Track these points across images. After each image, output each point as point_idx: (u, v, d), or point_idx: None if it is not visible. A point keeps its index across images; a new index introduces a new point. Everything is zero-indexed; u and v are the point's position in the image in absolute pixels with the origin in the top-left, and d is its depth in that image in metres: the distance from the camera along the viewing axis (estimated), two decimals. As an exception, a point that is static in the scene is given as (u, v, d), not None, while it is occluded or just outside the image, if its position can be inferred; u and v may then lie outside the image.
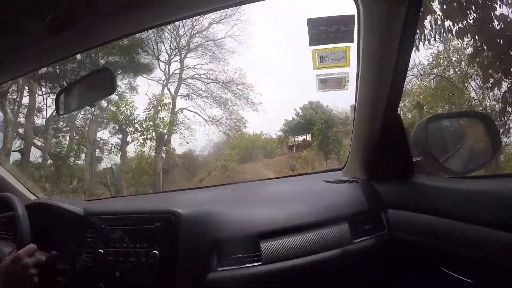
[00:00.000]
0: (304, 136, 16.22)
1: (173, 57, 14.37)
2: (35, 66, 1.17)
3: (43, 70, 9.13)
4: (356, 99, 1.26)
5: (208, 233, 1.19)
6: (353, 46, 1.16)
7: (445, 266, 1.03)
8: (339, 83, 1.32)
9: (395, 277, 1.24)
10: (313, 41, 1.12)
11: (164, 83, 13.93)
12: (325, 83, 1.31)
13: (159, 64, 13.71)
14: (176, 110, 14.64)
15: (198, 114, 14.85)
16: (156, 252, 1.17)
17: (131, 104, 11.44)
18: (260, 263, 1.13)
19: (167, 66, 14.24)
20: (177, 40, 14.20)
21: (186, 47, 14.36)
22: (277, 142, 16.33)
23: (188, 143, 14.50)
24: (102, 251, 1.25)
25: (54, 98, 1.22)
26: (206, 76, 14.75)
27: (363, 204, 1.30)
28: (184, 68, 14.62)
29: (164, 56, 13.97)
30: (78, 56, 9.64)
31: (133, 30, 1.08)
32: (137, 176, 11.98)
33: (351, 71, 1.27)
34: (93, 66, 10.27)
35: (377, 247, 1.22)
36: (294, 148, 16.13)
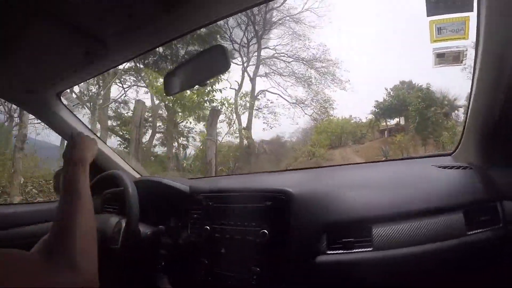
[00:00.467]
0: (397, 119, 15.20)
1: (250, 39, 14.30)
2: (148, 47, 1.26)
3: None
4: (474, 73, 1.14)
5: (319, 214, 1.18)
6: (472, 16, 1.04)
7: None
8: (456, 57, 1.20)
9: (507, 276, 1.11)
10: (431, 10, 1.04)
11: (244, 66, 13.96)
12: (442, 58, 1.20)
13: (234, 47, 13.72)
14: (256, 92, 14.50)
15: (281, 96, 14.45)
16: (266, 231, 1.19)
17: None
18: (370, 249, 1.09)
19: (244, 48, 14.26)
20: (253, 19, 13.95)
21: (263, 26, 14.10)
22: (367, 127, 15.48)
23: (271, 128, 14.30)
24: (208, 227, 1.32)
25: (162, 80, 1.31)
26: (287, 54, 14.53)
27: (478, 192, 1.17)
28: (262, 48, 14.46)
29: (240, 38, 14.02)
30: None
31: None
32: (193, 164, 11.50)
33: (468, 44, 1.15)
34: (175, 58, 10.74)
35: (490, 242, 1.10)
36: (386, 132, 15.21)
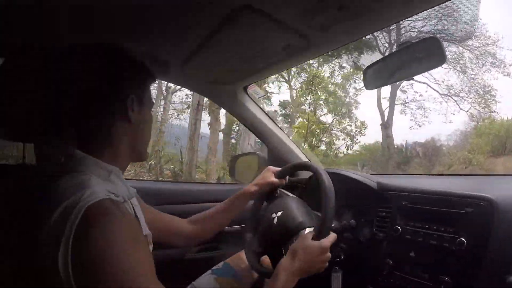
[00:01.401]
0: None
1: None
2: (354, 37, 1.25)
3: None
4: None
5: None
6: None
7: None
8: None
9: None
10: None
11: (383, 54, 11.91)
12: None
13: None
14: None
15: (429, 86, 12.56)
16: (464, 239, 1.12)
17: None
18: None
19: (384, 33, 12.37)
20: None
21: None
22: None
23: (420, 126, 12.65)
24: (399, 228, 1.29)
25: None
26: (432, 33, 12.01)
27: None
28: (404, 32, 12.48)
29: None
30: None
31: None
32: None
33: None
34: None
35: None
36: None
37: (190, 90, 4.62)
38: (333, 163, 11.44)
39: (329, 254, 1.11)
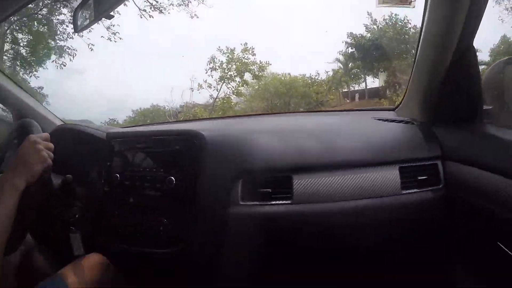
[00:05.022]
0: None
1: None
2: None
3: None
4: (422, 22, 1.11)
5: (234, 161, 1.14)
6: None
7: (504, 242, 0.87)
8: (405, -3, 1.16)
9: (445, 242, 1.14)
10: None
11: None
12: (387, -4, 1.16)
13: None
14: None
15: None
16: (172, 178, 1.14)
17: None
18: (289, 202, 1.07)
19: None
20: None
21: None
22: (330, 82, 9.79)
23: None
24: (118, 175, 1.24)
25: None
26: None
27: (418, 149, 1.16)
28: None
29: None
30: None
31: None
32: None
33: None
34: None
35: (429, 203, 1.10)
36: (357, 96, 10.01)
37: None
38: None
39: (38, 140, 1.04)
